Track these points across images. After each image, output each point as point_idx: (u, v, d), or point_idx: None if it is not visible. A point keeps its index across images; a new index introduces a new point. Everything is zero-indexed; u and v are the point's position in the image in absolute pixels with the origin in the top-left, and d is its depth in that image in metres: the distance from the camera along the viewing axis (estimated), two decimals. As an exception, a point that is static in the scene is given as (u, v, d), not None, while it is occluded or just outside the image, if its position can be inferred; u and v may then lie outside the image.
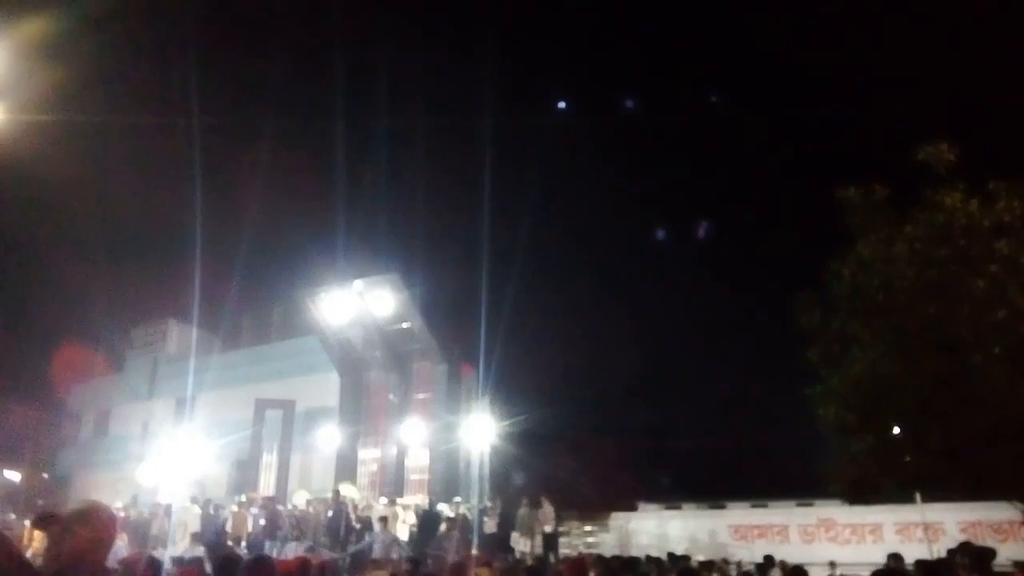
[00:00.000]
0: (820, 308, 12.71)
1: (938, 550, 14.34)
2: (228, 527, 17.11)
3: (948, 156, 11.85)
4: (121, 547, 17.13)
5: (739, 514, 19.29)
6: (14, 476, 28.16)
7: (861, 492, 12.68)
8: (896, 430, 12.16)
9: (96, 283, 24.79)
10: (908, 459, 12.19)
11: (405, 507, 18.60)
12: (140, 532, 17.54)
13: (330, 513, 17.28)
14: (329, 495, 18.52)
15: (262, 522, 17.20)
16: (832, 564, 15.77)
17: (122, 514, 18.58)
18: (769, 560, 14.75)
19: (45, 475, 31.20)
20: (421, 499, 19.92)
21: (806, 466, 16.01)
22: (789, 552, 17.71)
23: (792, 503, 18.96)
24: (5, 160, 14.11)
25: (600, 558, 16.29)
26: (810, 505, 18.46)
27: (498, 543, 17.25)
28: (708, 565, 14.24)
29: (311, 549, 16.17)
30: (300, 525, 17.14)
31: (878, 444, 11.91)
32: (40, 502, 27.69)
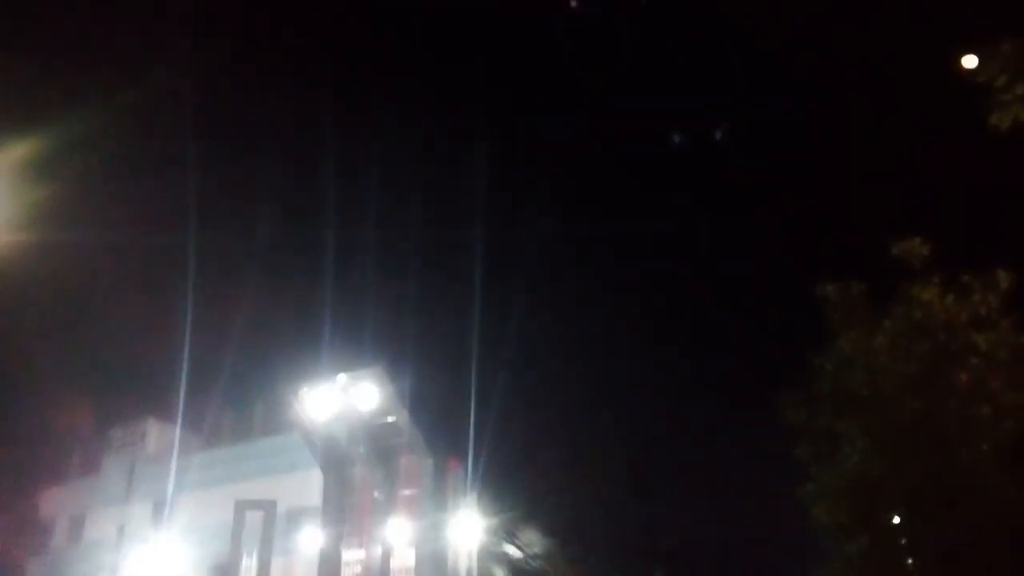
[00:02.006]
0: (806, 405, 12.70)
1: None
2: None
3: (922, 251, 12.10)
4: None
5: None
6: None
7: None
8: (891, 529, 11.99)
9: (75, 384, 24.41)
10: (905, 561, 11.95)
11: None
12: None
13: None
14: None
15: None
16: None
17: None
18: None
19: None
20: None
21: (800, 564, 15.66)
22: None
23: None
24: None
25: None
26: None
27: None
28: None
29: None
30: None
31: (873, 546, 11.71)
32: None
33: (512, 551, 20.43)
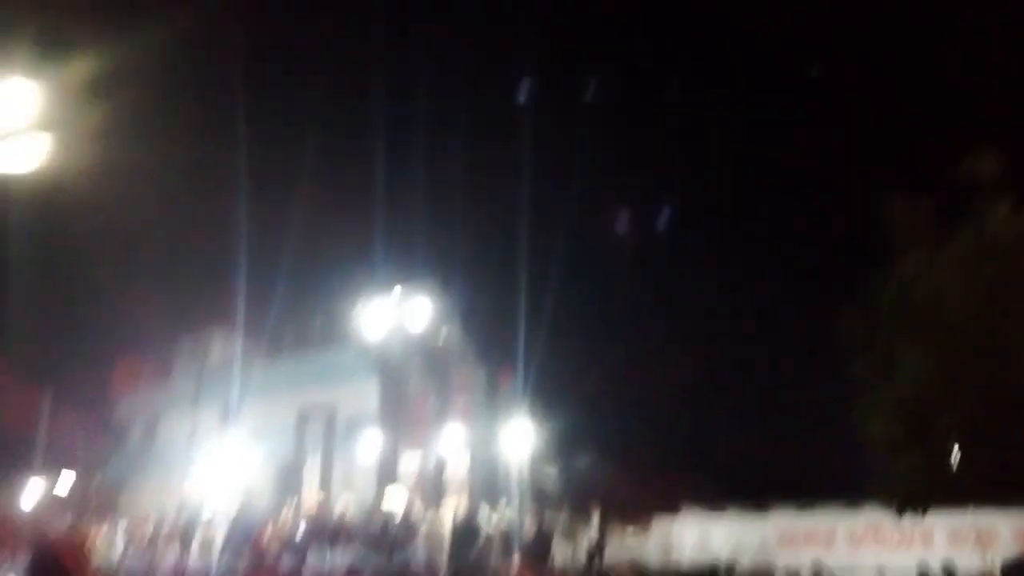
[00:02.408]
0: (865, 323, 12.53)
1: (991, 558, 14.12)
2: (270, 534, 17.42)
3: (994, 166, 11.54)
4: (174, 555, 17.69)
5: (784, 519, 19.07)
6: (68, 480, 29.10)
7: (911, 510, 12.50)
8: (946, 449, 11.98)
9: (144, 296, 25.44)
10: (960, 476, 11.97)
11: (446, 513, 18.80)
12: (187, 539, 18.02)
13: (377, 519, 17.50)
14: (373, 501, 18.85)
15: (302, 527, 17.49)
16: (880, 571, 15.61)
17: (171, 521, 19.15)
18: (817, 568, 14.66)
19: (98, 479, 32.18)
20: (462, 505, 20.14)
21: (852, 472, 15.81)
22: (836, 558, 17.57)
23: (839, 508, 18.72)
24: (57, 188, 14.57)
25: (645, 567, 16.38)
26: (858, 509, 18.22)
27: (538, 550, 17.39)
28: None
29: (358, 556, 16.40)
30: (347, 532, 17.37)
31: (928, 461, 11.74)
32: (93, 505, 28.61)
33: (562, 461, 21.06)
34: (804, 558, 17.34)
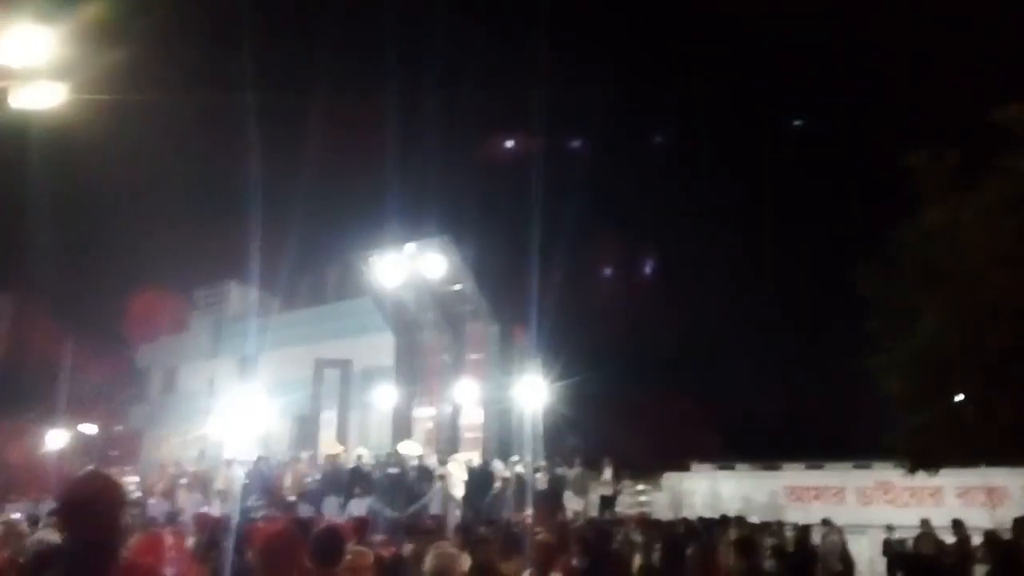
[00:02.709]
0: (882, 277, 12.38)
1: (1001, 516, 14.15)
2: (288, 482, 17.71)
3: (1022, 117, 11.24)
4: (195, 502, 18.05)
5: (794, 475, 19.20)
6: (90, 429, 29.70)
7: (924, 465, 12.50)
8: (961, 403, 11.91)
9: (161, 247, 25.64)
10: (975, 431, 11.92)
11: (459, 465, 19.00)
12: (207, 486, 18.35)
13: (392, 470, 17.66)
14: (389, 452, 19.05)
15: (318, 476, 17.72)
16: (889, 527, 15.69)
17: (191, 468, 19.51)
18: (825, 522, 14.72)
19: (119, 428, 32.87)
20: (475, 457, 20.34)
21: (863, 430, 15.83)
22: (845, 514, 17.65)
23: (849, 465, 18.78)
24: (73, 136, 14.59)
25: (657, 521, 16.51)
26: (868, 468, 18.28)
27: (550, 502, 17.58)
28: (763, 528, 14.29)
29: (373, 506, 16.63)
30: (363, 482, 17.57)
31: (943, 416, 11.68)
32: (115, 453, 29.27)
33: (574, 415, 21.23)
34: (814, 514, 17.42)
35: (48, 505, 13.82)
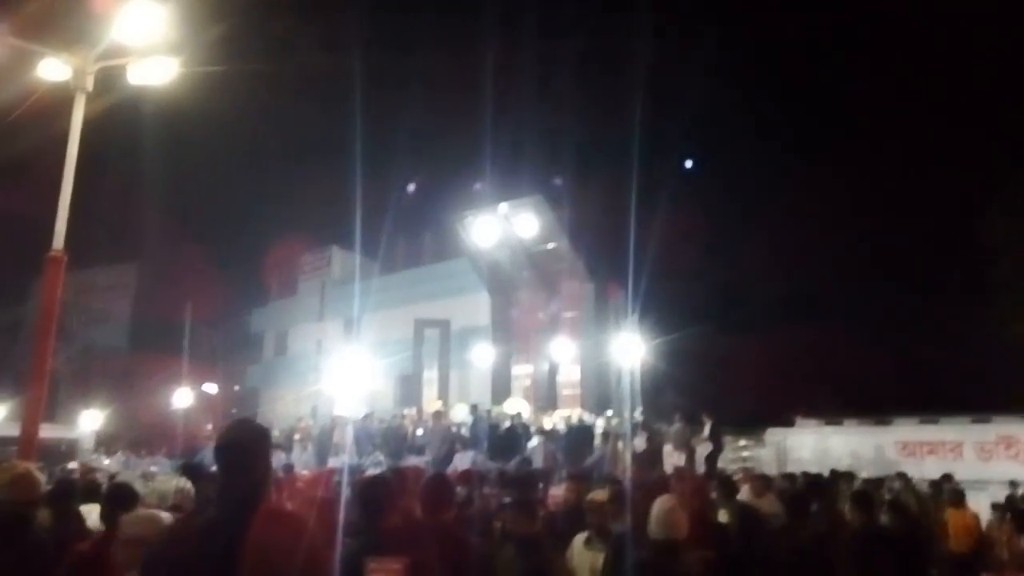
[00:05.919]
0: (1010, 220, 11.58)
1: None
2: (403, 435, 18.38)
3: None
4: (306, 458, 19.04)
5: (907, 430, 18.40)
6: (212, 389, 31.79)
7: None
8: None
9: (270, 216, 26.92)
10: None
11: (559, 420, 19.25)
12: (321, 443, 19.31)
13: (494, 424, 18.08)
14: (488, 408, 19.51)
15: (420, 432, 18.33)
16: (1013, 483, 14.87)
17: (304, 425, 20.56)
18: (946, 478, 14.02)
19: (237, 388, 35.07)
20: (574, 413, 20.54)
21: (981, 384, 14.95)
22: (963, 469, 16.74)
23: (967, 419, 17.87)
24: (187, 110, 15.42)
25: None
26: (988, 422, 17.33)
27: (649, 458, 17.59)
28: (878, 483, 13.74)
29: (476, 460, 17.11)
30: (465, 438, 18.09)
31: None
32: (234, 411, 31.26)
33: (672, 370, 21.05)
34: (927, 469, 16.70)
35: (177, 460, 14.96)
